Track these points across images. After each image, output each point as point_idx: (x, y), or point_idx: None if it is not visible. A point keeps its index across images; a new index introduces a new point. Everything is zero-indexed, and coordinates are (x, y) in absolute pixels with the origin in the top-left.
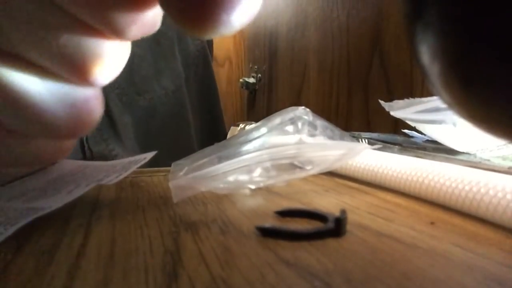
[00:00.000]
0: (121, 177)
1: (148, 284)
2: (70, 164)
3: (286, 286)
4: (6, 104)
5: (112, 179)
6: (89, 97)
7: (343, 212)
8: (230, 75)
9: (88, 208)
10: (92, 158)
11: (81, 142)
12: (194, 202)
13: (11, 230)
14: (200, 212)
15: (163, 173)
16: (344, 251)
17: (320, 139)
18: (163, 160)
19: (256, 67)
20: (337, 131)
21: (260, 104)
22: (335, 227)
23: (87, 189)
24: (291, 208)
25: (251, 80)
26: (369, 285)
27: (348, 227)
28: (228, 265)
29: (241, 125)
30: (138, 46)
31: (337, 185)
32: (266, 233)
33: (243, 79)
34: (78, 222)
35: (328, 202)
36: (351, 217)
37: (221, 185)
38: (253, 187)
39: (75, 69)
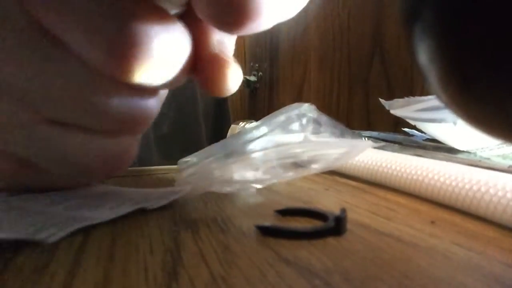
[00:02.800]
0: (160, 204)
1: (148, 283)
2: (108, 187)
3: (286, 285)
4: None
5: (153, 204)
6: (126, 149)
7: (343, 210)
8: None
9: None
10: None
11: None
12: (194, 200)
13: (62, 234)
14: (200, 210)
15: (164, 172)
16: (344, 250)
17: (325, 137)
18: (169, 146)
19: (257, 65)
20: (341, 128)
21: (261, 103)
22: (335, 226)
23: (130, 210)
24: (291, 207)
25: (252, 78)
26: (369, 284)
27: (348, 225)
28: (228, 264)
29: (241, 124)
30: None
31: (337, 183)
32: (266, 232)
33: (244, 77)
34: None
35: (328, 201)
36: (351, 215)
37: (228, 187)
38: (259, 186)
39: (125, 130)
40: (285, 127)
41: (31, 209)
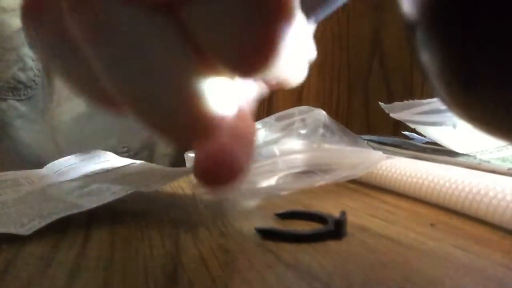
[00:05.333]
0: (161, 185)
1: (148, 285)
2: (145, 166)
3: (286, 287)
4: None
5: (152, 187)
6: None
7: (343, 214)
8: None
9: (88, 210)
10: None
11: None
12: (194, 203)
13: (38, 226)
14: (200, 214)
15: None
16: (344, 253)
17: (336, 145)
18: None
19: None
20: (352, 136)
21: (260, 107)
22: (335, 229)
23: (126, 194)
24: (291, 210)
25: None
26: (369, 287)
27: (348, 229)
28: (228, 267)
29: None
30: None
31: (337, 187)
32: (266, 235)
33: None
34: (78, 224)
35: (328, 204)
36: (351, 219)
37: (255, 196)
38: (285, 193)
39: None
40: (296, 132)
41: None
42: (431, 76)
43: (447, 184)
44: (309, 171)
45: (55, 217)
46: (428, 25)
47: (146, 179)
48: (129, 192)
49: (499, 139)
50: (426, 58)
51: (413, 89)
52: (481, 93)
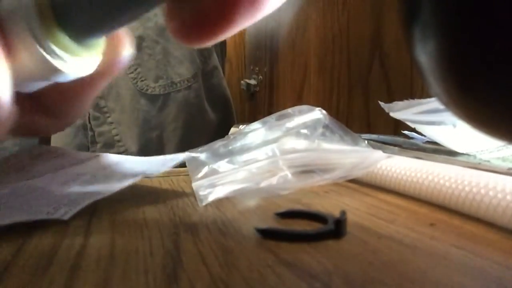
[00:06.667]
0: (161, 171)
1: (148, 285)
2: (114, 157)
3: (286, 287)
4: None
5: (154, 172)
6: None
7: (343, 213)
8: (230, 77)
9: (88, 209)
10: (95, 139)
11: (83, 122)
12: (194, 203)
13: (74, 210)
14: (200, 213)
15: (163, 175)
16: (344, 252)
17: (336, 145)
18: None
19: (257, 68)
20: (352, 135)
21: (261, 106)
22: (335, 228)
23: (136, 180)
24: (291, 210)
25: (252, 81)
26: (369, 287)
27: (348, 228)
28: (228, 266)
29: (241, 127)
30: (148, 28)
31: (336, 186)
32: (266, 234)
33: (245, 81)
34: (78, 223)
35: (328, 203)
36: (351, 218)
37: (255, 194)
38: (285, 192)
39: None
40: (297, 133)
41: (49, 189)
42: (428, 74)
43: (447, 184)
44: (309, 171)
45: (86, 202)
46: (425, 21)
47: (148, 164)
48: (137, 178)
49: (496, 139)
50: (423, 55)
51: (413, 88)
52: (479, 92)
